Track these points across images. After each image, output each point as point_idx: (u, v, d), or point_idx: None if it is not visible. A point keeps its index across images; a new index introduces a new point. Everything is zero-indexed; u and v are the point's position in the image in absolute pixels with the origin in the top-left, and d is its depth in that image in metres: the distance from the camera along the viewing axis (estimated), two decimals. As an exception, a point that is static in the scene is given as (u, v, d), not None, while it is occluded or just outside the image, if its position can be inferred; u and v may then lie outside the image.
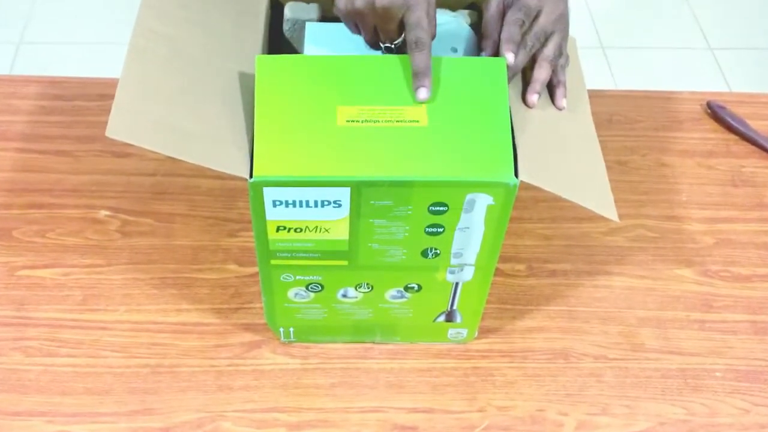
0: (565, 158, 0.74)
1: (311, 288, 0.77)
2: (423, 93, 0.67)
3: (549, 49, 0.74)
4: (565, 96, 0.75)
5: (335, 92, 0.67)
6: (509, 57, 0.71)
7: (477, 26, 0.85)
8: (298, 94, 0.67)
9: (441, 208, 0.68)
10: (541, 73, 0.74)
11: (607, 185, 0.73)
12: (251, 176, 0.65)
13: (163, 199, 0.96)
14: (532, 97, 0.73)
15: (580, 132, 0.77)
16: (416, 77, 0.68)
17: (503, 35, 0.73)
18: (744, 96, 1.13)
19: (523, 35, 0.73)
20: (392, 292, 0.77)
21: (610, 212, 0.71)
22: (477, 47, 0.83)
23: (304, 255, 0.72)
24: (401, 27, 0.70)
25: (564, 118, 0.76)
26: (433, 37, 0.71)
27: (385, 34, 0.72)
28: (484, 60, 0.72)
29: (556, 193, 0.68)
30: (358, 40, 0.78)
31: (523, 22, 0.73)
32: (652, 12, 2.38)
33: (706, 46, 2.31)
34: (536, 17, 0.74)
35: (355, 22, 0.72)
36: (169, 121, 0.67)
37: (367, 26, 0.72)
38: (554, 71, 0.75)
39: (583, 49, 0.86)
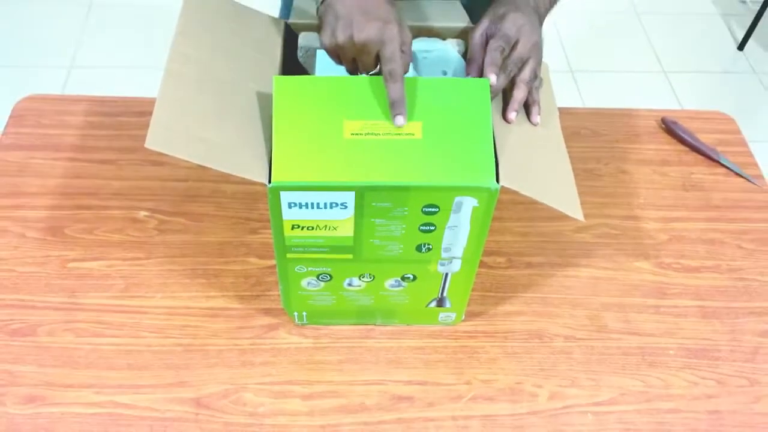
0: (539, 166, 0.73)
1: (321, 278, 0.76)
2: (400, 120, 0.67)
3: (525, 73, 0.74)
4: (539, 113, 0.75)
5: (342, 109, 0.67)
6: (492, 78, 0.71)
7: (465, 54, 0.85)
8: (310, 110, 0.67)
9: (433, 209, 0.68)
10: (518, 94, 0.74)
11: (574, 189, 0.73)
12: (270, 182, 0.65)
13: (193, 201, 0.96)
14: (511, 115, 0.73)
15: (552, 144, 0.76)
16: (392, 106, 0.67)
17: (486, 60, 0.73)
18: (693, 113, 1.13)
19: (504, 60, 0.73)
20: (391, 281, 0.77)
21: (576, 212, 0.71)
22: (464, 71, 0.83)
23: (316, 249, 0.72)
24: (377, 59, 0.69)
25: (538, 132, 0.76)
26: (406, 69, 0.70)
27: (363, 65, 0.71)
28: (470, 81, 0.72)
29: (531, 196, 0.68)
30: None
31: (504, 49, 0.73)
32: (615, 41, 2.37)
33: (660, 70, 2.30)
34: (514, 45, 0.74)
35: (338, 54, 0.72)
36: (199, 134, 0.67)
37: (347, 58, 0.71)
38: (530, 92, 0.75)
39: (555, 72, 0.86)
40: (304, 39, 0.83)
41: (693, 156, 1.07)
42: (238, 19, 0.81)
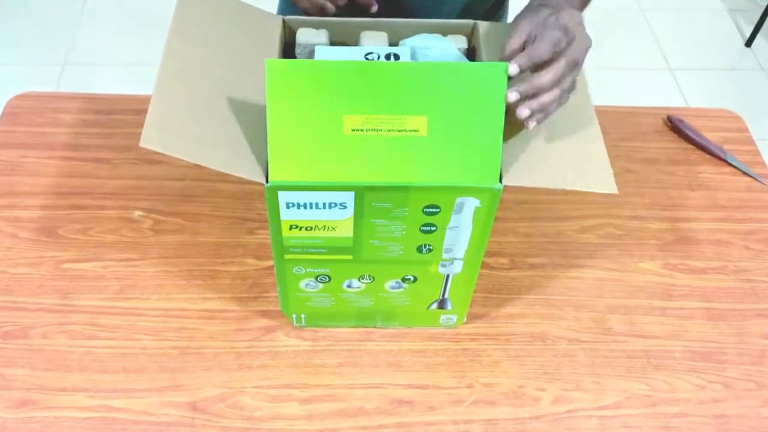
0: (557, 146, 0.71)
1: (320, 279, 0.76)
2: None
3: (567, 81, 0.66)
4: (536, 120, 0.66)
5: (342, 100, 0.64)
6: (512, 68, 0.63)
7: (466, 51, 0.85)
8: (307, 102, 0.64)
9: (434, 210, 0.68)
10: (547, 97, 0.65)
11: (604, 161, 0.69)
12: (267, 181, 0.65)
13: (190, 201, 0.96)
14: (527, 117, 0.65)
15: (578, 110, 0.73)
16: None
17: (532, 51, 0.64)
18: (700, 111, 1.13)
19: (556, 55, 0.65)
20: (391, 282, 0.77)
21: (604, 186, 0.67)
22: None
23: (314, 250, 0.72)
24: None
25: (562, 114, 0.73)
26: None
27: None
28: (486, 66, 0.66)
29: (543, 187, 0.67)
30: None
31: (560, 41, 0.65)
32: (620, 37, 2.38)
33: (666, 67, 2.30)
34: (570, 42, 0.66)
35: None
36: (195, 132, 0.67)
37: None
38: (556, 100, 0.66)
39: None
40: (303, 35, 0.83)
41: (699, 155, 1.07)
42: (235, 15, 0.81)
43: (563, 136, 0.73)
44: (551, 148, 0.72)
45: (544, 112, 0.66)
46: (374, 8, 0.86)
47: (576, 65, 0.66)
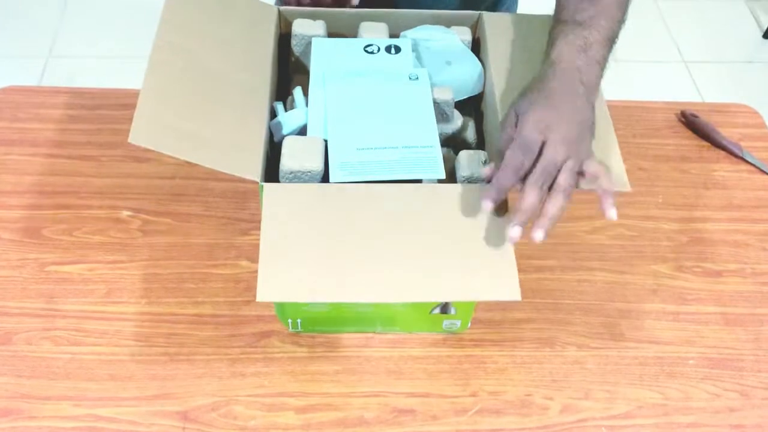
0: None
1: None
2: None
3: (560, 180, 0.65)
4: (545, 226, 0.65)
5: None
6: (484, 205, 0.64)
7: (473, 44, 0.85)
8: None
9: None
10: (551, 208, 0.64)
11: (616, 157, 0.70)
12: (262, 179, 0.65)
13: (180, 200, 0.96)
14: (537, 234, 0.64)
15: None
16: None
17: (497, 179, 0.65)
18: (715, 105, 1.13)
19: (529, 174, 0.64)
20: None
21: (617, 184, 0.67)
22: (470, 62, 0.83)
23: (311, 252, 0.72)
24: None
25: None
26: None
27: None
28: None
29: None
30: (362, 55, 0.78)
31: (523, 163, 0.64)
32: (632, 29, 2.37)
33: (680, 59, 2.30)
34: (541, 151, 0.65)
35: None
36: (186, 128, 0.67)
37: None
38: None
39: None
40: (299, 26, 0.83)
41: (715, 152, 1.07)
42: (229, 5, 0.81)
43: None
44: None
45: (554, 219, 0.65)
46: (355, 1, 0.85)
47: (557, 167, 0.64)
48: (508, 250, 0.66)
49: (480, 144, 0.83)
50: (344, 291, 0.64)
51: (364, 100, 0.75)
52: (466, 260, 0.66)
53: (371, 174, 0.70)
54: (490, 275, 0.66)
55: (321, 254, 0.65)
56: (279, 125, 0.77)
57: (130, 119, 0.64)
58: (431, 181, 0.72)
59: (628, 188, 0.68)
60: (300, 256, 0.65)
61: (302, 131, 0.77)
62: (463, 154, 0.73)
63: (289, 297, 0.66)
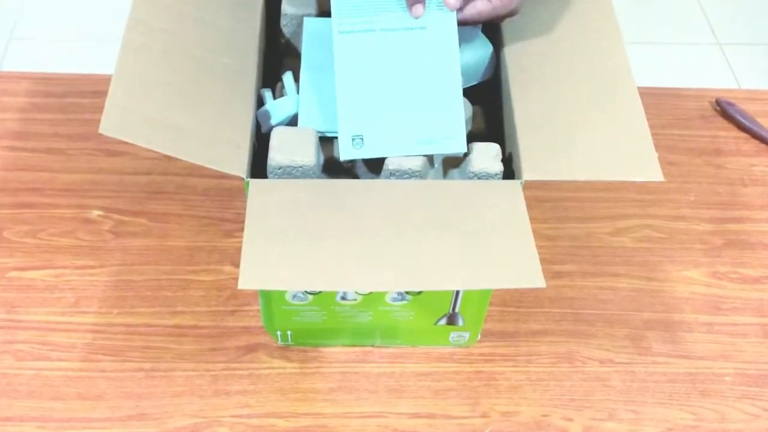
0: (588, 131, 0.73)
1: (309, 290, 0.77)
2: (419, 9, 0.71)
3: None
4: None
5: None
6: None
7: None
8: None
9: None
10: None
11: (647, 144, 0.71)
12: (248, 176, 0.65)
13: (157, 198, 0.96)
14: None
15: (613, 88, 0.76)
16: None
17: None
18: (754, 93, 1.13)
19: None
20: (393, 294, 0.77)
21: (647, 174, 0.69)
22: (480, 44, 0.83)
23: (302, 256, 0.72)
24: None
25: (590, 76, 0.75)
26: None
27: None
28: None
29: (570, 180, 0.69)
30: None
31: None
32: (660, 7, 2.38)
33: (714, 42, 2.31)
34: None
35: None
36: (164, 118, 0.68)
37: None
38: None
39: (589, 44, 0.86)
40: (289, 5, 0.84)
41: (753, 144, 1.07)
42: (211, -19, 0.81)
43: (594, 111, 0.74)
44: (579, 130, 0.73)
45: None
46: None
47: None
48: (527, 238, 0.66)
49: (491, 136, 0.83)
50: (338, 278, 0.64)
51: (374, 58, 0.74)
52: (478, 247, 0.66)
53: (386, 150, 0.70)
54: (507, 263, 0.66)
55: (313, 243, 0.65)
56: (267, 114, 0.77)
57: (101, 108, 0.64)
58: (449, 156, 0.73)
59: (660, 177, 0.68)
60: (287, 246, 0.65)
61: (293, 121, 0.77)
62: (474, 147, 0.73)
63: (274, 285, 0.65)
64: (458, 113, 0.72)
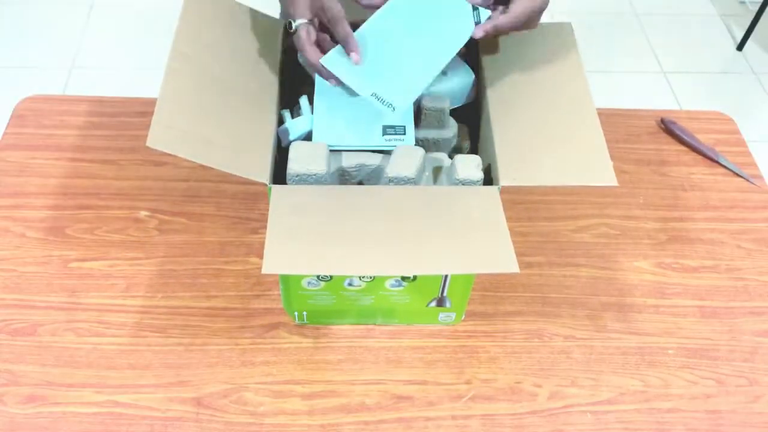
0: (554, 145, 0.73)
1: (322, 278, 0.76)
2: (355, 57, 0.71)
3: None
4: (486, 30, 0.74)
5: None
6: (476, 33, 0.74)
7: (467, 54, 0.85)
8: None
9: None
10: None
11: (603, 154, 0.71)
12: (270, 182, 0.65)
13: (194, 201, 0.96)
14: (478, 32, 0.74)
15: (575, 108, 0.76)
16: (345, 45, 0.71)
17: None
18: (693, 113, 1.13)
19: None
20: (391, 281, 0.77)
21: (603, 179, 0.69)
22: (463, 72, 0.83)
23: (316, 249, 0.72)
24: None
25: (555, 99, 0.76)
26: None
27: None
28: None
29: (539, 185, 0.69)
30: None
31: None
32: (614, 41, 2.38)
33: (659, 70, 2.30)
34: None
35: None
36: (200, 133, 0.67)
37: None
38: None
39: (555, 72, 0.85)
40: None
41: (692, 156, 1.07)
42: (239, 20, 0.81)
43: (560, 128, 0.74)
44: (547, 144, 0.73)
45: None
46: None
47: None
48: (504, 233, 0.66)
49: (474, 149, 0.83)
50: (346, 264, 0.64)
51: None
52: (463, 240, 0.66)
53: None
54: (487, 253, 0.66)
55: (324, 236, 0.65)
56: (286, 131, 0.77)
57: (148, 125, 0.64)
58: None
59: (615, 183, 0.69)
60: (303, 239, 0.65)
61: (308, 137, 0.77)
62: (459, 158, 0.73)
63: (291, 270, 0.65)
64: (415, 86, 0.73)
